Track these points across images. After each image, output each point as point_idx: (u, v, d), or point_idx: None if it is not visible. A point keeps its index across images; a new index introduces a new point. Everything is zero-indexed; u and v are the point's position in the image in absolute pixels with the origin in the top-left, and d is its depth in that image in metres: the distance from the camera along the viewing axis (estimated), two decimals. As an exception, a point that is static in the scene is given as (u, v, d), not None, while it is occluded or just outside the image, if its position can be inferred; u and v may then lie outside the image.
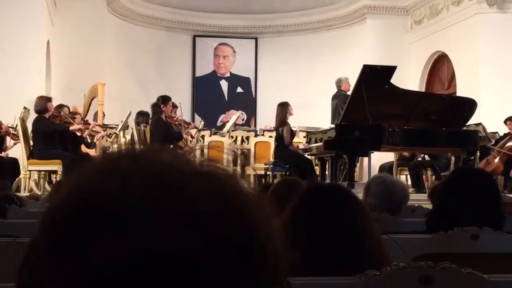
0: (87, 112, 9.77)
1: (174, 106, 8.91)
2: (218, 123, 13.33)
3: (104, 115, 9.80)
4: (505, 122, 8.65)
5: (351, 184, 6.46)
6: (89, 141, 8.70)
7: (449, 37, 11.02)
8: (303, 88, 12.92)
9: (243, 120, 13.41)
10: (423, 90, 11.50)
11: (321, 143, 7.10)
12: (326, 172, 7.67)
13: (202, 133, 10.12)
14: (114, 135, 9.20)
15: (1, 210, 2.97)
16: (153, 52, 13.25)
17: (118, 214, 0.45)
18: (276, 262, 0.48)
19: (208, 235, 0.45)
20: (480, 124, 8.45)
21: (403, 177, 8.59)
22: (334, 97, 8.82)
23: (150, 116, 8.82)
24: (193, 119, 12.80)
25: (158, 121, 8.19)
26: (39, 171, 7.62)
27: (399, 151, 8.39)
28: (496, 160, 8.23)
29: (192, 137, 9.36)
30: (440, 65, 11.90)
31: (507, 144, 8.31)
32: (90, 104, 9.86)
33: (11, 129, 8.00)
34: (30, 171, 7.50)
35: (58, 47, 10.80)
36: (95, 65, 11.25)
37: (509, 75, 9.92)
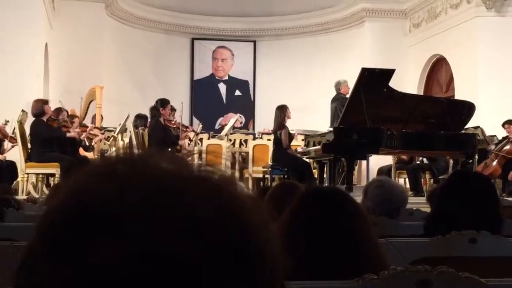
0: (85, 115, 9.77)
1: (173, 109, 8.91)
2: (217, 126, 13.33)
3: (102, 118, 9.80)
4: (503, 125, 8.66)
5: (349, 187, 6.46)
6: (87, 144, 8.70)
7: (448, 40, 11.04)
8: (301, 91, 12.93)
9: (241, 123, 13.42)
10: (422, 93, 11.51)
11: (319, 146, 7.10)
12: (324, 175, 7.67)
13: (200, 136, 10.12)
14: (112, 138, 9.20)
15: (-1, 213, 2.97)
16: (151, 55, 13.26)
17: (115, 217, 0.45)
18: (273, 266, 0.48)
19: (205, 239, 0.45)
20: (478, 127, 8.47)
21: (401, 180, 8.59)
22: (333, 100, 8.82)
23: (149, 119, 8.82)
24: (191, 122, 12.81)
25: (156, 124, 8.19)
26: (37, 174, 7.62)
27: (397, 154, 8.40)
28: (494, 163, 8.25)
29: (191, 140, 9.36)
30: (438, 68, 11.93)
31: (505, 147, 8.33)
32: (88, 107, 9.86)
33: (5, 125, 7.96)
34: (28, 174, 7.49)
35: (56, 50, 10.81)
36: (93, 68, 11.25)
37: (507, 78, 9.94)
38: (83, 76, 10.73)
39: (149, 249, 0.44)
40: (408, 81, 11.48)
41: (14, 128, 7.72)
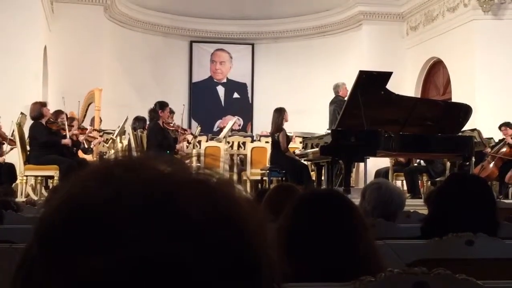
0: (84, 117, 9.76)
1: (171, 112, 8.91)
2: (215, 129, 13.33)
3: (101, 120, 9.79)
4: (499, 127, 8.68)
5: (347, 189, 6.47)
6: (86, 146, 8.70)
7: (445, 43, 11.06)
8: (299, 94, 12.94)
9: (239, 125, 13.42)
10: (419, 96, 11.53)
11: (317, 149, 7.11)
12: (322, 178, 7.68)
13: (199, 138, 10.12)
14: (111, 140, 9.19)
15: (-2, 216, 2.96)
16: (150, 58, 13.26)
17: (110, 222, 0.45)
18: (269, 269, 0.48)
19: (199, 243, 0.45)
20: (475, 129, 8.48)
21: (399, 183, 8.60)
22: (332, 103, 8.83)
23: (147, 121, 8.82)
24: (190, 125, 12.80)
25: (155, 127, 8.19)
26: (35, 176, 7.61)
27: (395, 157, 8.41)
28: (491, 165, 8.26)
29: (189, 143, 9.36)
30: (435, 71, 11.94)
31: (502, 150, 8.34)
32: (87, 109, 9.86)
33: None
34: (26, 176, 7.49)
35: (55, 53, 10.81)
36: (92, 70, 11.24)
37: (504, 81, 9.96)
38: (82, 79, 10.72)
39: (141, 254, 0.44)
40: (405, 83, 11.50)
41: (13, 131, 7.72)
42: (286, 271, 0.51)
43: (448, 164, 8.12)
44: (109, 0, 11.75)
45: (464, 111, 7.33)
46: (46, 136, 7.42)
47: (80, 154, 8.41)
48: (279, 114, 8.12)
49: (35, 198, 7.05)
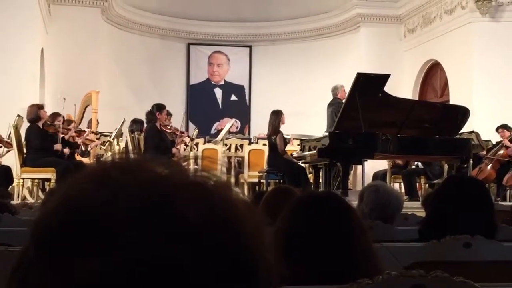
0: (81, 120, 9.75)
1: (169, 114, 8.91)
2: (212, 131, 13.33)
3: (98, 123, 9.78)
4: (497, 130, 8.70)
5: (345, 192, 6.47)
6: (83, 149, 8.69)
7: (442, 46, 11.09)
8: (297, 96, 12.95)
9: (237, 128, 13.42)
10: (417, 98, 11.55)
11: (314, 151, 7.11)
12: (320, 180, 7.67)
13: (196, 141, 10.12)
14: (108, 143, 9.18)
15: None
16: (147, 60, 13.26)
17: (106, 224, 0.45)
18: (266, 272, 0.48)
19: (196, 245, 0.45)
20: (473, 132, 8.49)
21: (396, 185, 8.61)
22: (330, 105, 8.83)
23: (145, 124, 8.81)
24: (187, 127, 12.80)
25: (152, 129, 8.19)
26: (32, 179, 7.60)
27: (392, 159, 8.41)
28: (489, 167, 8.27)
29: (186, 145, 9.35)
30: (433, 73, 11.97)
31: (499, 152, 8.36)
32: (84, 112, 9.85)
33: None
34: (23, 179, 7.47)
35: (52, 55, 10.80)
36: (89, 73, 11.24)
37: (501, 83, 9.98)
38: (79, 81, 10.72)
39: (137, 256, 0.44)
40: (403, 86, 11.51)
41: (10, 133, 7.70)
42: (284, 274, 0.51)
43: (446, 166, 8.13)
44: (106, 2, 11.76)
45: (462, 113, 7.34)
46: (40, 141, 7.38)
47: (77, 156, 8.40)
48: (276, 117, 8.12)
49: (32, 200, 7.04)
